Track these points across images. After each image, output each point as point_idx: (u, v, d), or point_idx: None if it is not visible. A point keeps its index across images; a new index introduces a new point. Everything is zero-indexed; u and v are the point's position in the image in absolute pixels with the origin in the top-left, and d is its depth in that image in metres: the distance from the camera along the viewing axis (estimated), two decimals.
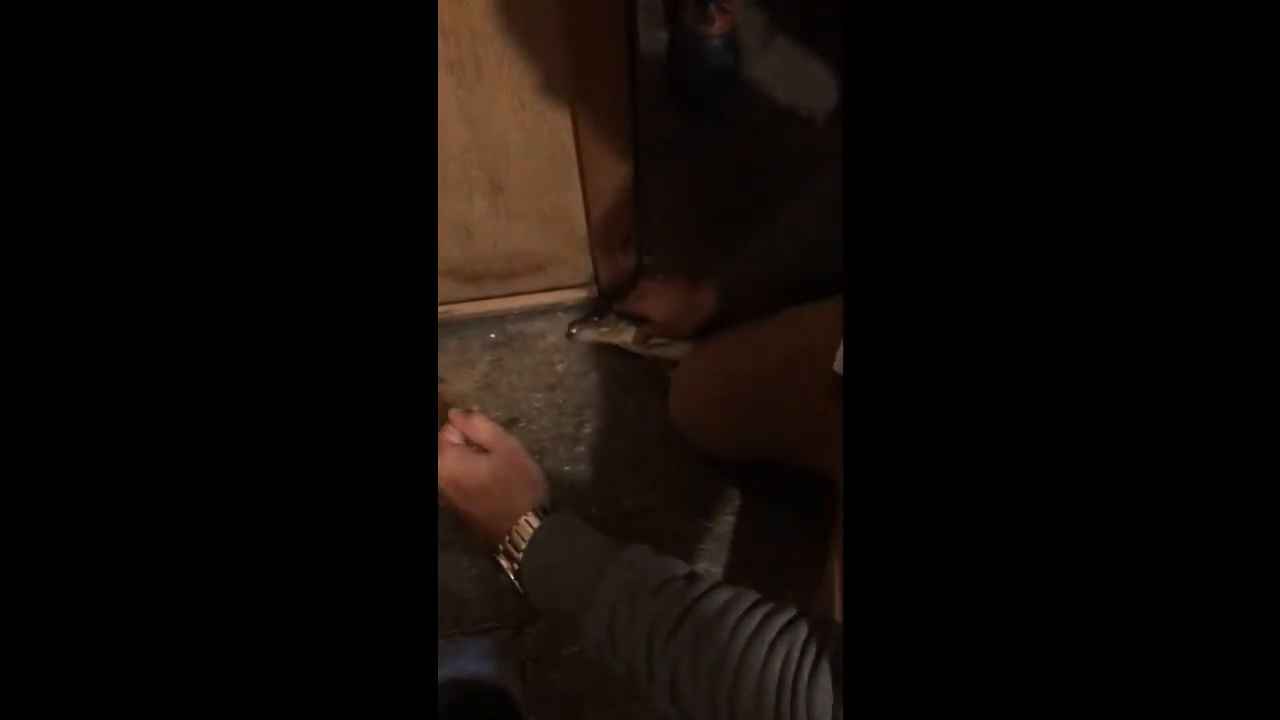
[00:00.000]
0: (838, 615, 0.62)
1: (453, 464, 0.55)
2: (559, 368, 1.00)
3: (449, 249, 0.95)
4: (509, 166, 0.86)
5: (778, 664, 0.42)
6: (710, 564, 0.90)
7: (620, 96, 0.80)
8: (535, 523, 0.53)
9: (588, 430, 0.97)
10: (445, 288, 1.00)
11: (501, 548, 0.54)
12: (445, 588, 0.89)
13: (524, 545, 0.52)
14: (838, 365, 0.66)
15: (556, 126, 0.83)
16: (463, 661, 0.87)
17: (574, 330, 0.98)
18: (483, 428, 0.57)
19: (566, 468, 0.95)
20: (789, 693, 0.41)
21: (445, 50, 0.73)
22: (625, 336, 0.96)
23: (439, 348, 1.01)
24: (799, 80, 1.15)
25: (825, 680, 0.40)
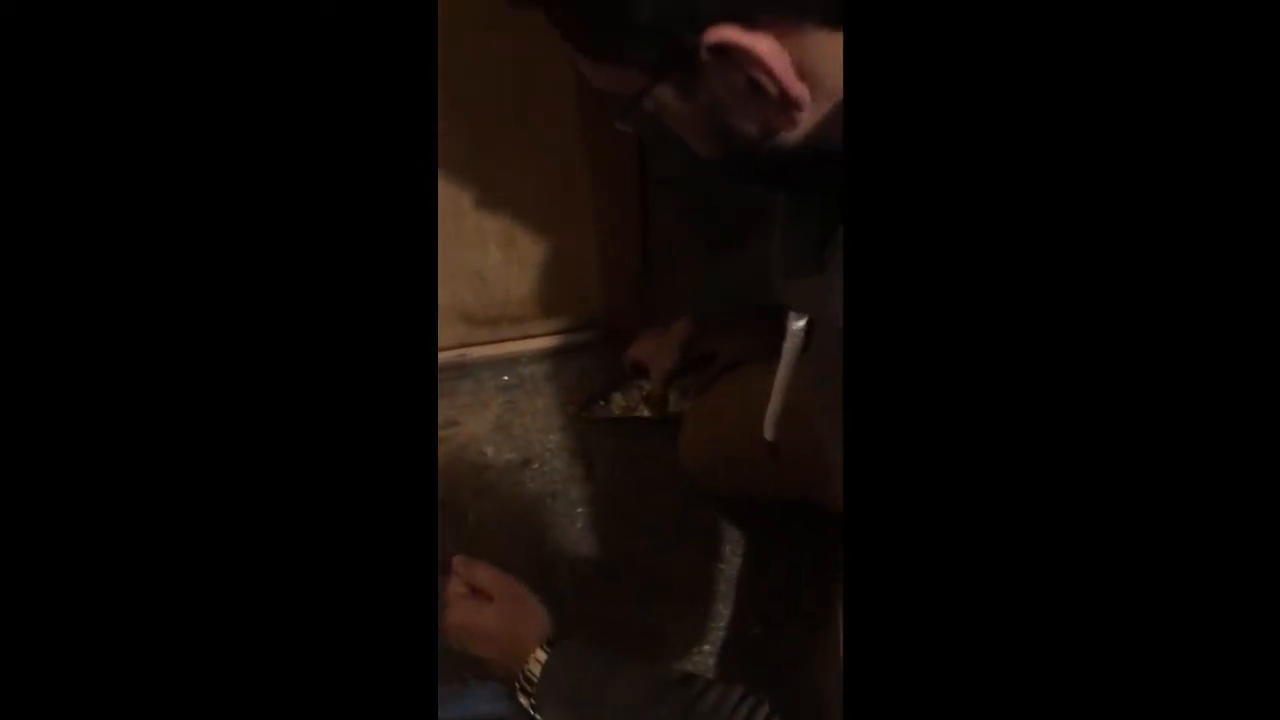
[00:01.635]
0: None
1: (462, 617, 0.61)
2: (570, 410, 1.02)
3: (463, 295, 0.98)
4: (522, 218, 0.89)
5: None
6: (721, 604, 0.92)
7: (628, 146, 0.83)
8: (543, 657, 0.58)
9: (599, 472, 0.98)
10: (459, 331, 1.02)
11: (518, 686, 0.59)
12: None
13: (536, 680, 0.57)
14: (768, 434, 0.70)
15: (569, 178, 0.85)
16: (473, 701, 0.88)
17: (585, 413, 0.99)
18: (483, 574, 0.63)
19: (580, 509, 0.97)
20: None
21: (460, 110, 0.75)
22: (642, 410, 0.97)
23: (453, 390, 1.04)
24: None
25: None
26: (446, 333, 1.02)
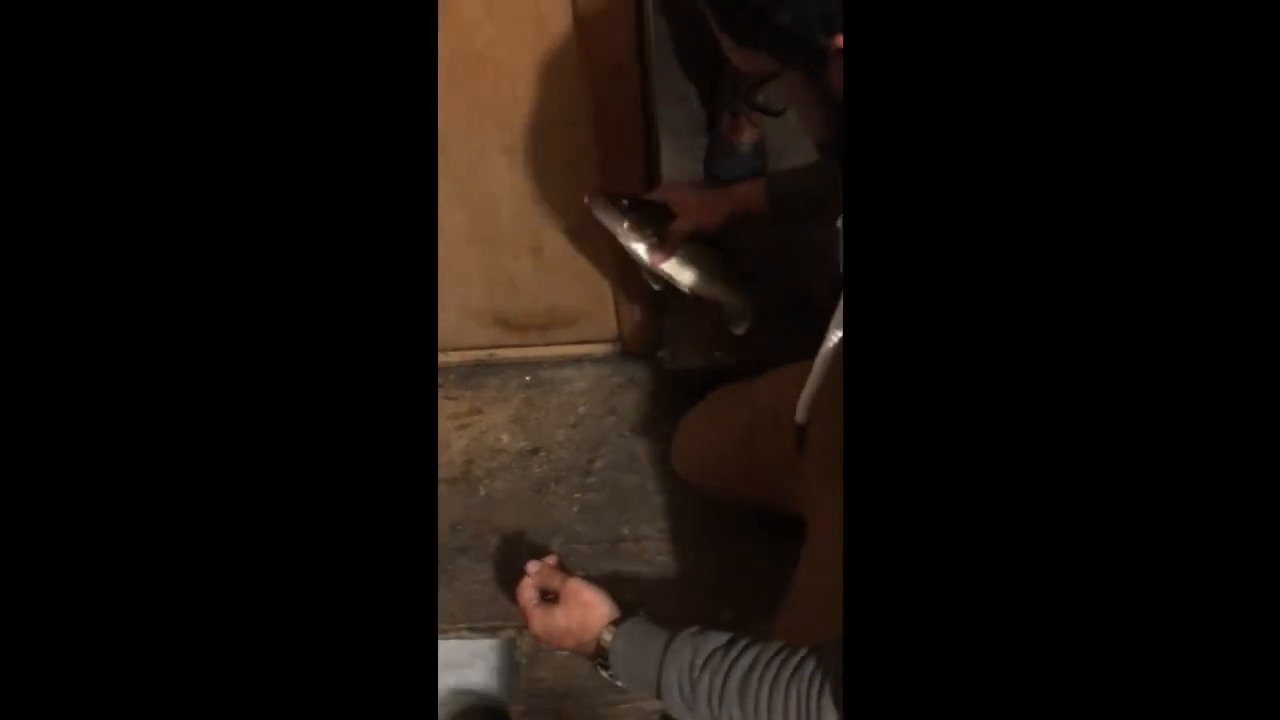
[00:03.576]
0: (797, 626, 0.72)
1: (539, 624, 0.73)
2: (581, 409, 1.14)
3: (498, 299, 1.12)
4: (550, 230, 1.04)
5: (794, 701, 0.57)
6: (696, 589, 1.00)
7: (637, 173, 0.98)
8: (608, 638, 0.70)
9: (599, 464, 1.09)
10: (492, 333, 1.16)
11: (598, 665, 0.71)
12: (459, 589, 1.01)
13: (610, 657, 0.70)
14: (799, 416, 0.78)
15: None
16: (466, 672, 0.97)
17: (594, 200, 0.87)
18: (550, 579, 0.75)
19: (577, 495, 1.07)
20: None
21: (501, 137, 0.92)
22: (637, 246, 0.86)
23: (481, 384, 1.17)
24: None
25: (829, 703, 0.55)
26: (481, 334, 1.16)
